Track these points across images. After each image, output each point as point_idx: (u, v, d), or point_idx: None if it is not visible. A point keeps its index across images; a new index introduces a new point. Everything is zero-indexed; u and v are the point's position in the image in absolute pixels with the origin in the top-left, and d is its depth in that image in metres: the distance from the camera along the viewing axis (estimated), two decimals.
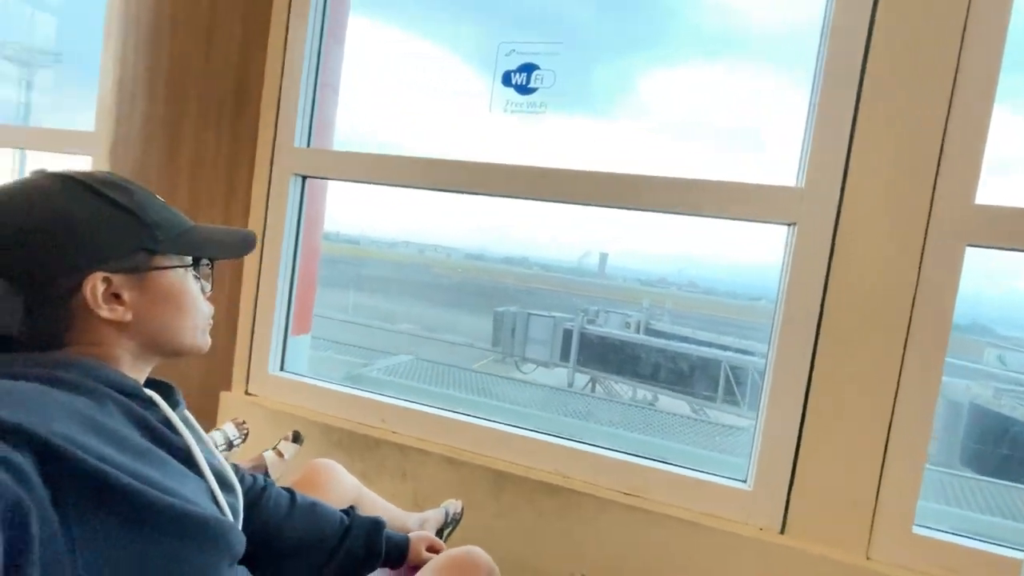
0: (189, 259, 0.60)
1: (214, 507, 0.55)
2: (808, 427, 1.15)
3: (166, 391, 0.62)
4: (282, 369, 1.65)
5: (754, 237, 1.33)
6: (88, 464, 0.40)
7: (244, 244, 0.66)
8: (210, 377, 1.60)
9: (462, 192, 1.43)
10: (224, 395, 1.61)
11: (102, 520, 0.41)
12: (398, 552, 0.84)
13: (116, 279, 0.53)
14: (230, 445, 1.27)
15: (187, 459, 0.55)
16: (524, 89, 1.40)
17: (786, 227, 1.21)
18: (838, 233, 1.13)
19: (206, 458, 0.57)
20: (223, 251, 0.64)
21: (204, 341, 0.64)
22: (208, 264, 0.63)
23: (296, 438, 1.37)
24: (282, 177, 1.56)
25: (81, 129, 1.77)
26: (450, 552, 0.82)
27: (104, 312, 0.52)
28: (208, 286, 0.65)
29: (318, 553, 0.76)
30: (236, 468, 0.75)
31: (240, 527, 0.61)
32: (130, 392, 0.53)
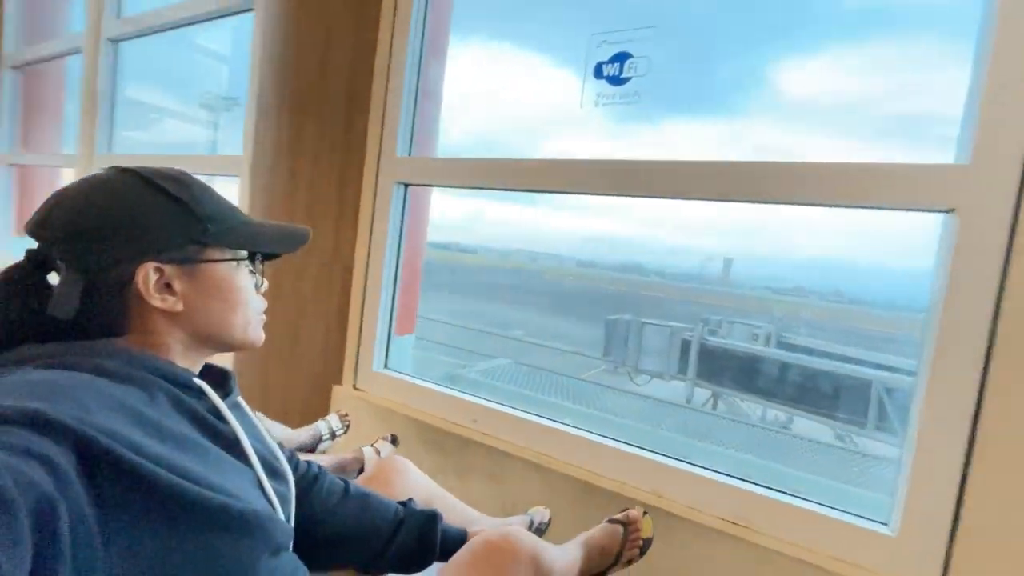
0: (242, 253, 0.60)
1: (259, 496, 0.55)
2: (977, 460, 0.91)
3: (222, 379, 0.64)
4: (386, 367, 1.75)
5: (912, 237, 1.11)
6: (127, 459, 0.40)
7: (294, 240, 0.66)
8: (325, 371, 1.75)
9: (567, 192, 1.39)
10: (336, 388, 1.75)
11: (137, 514, 0.41)
12: (454, 547, 0.79)
13: (168, 269, 0.54)
14: (332, 435, 1.37)
15: (234, 447, 0.56)
16: (616, 80, 1.33)
17: (943, 215, 0.98)
18: (1020, 221, 0.88)
19: (254, 446, 0.58)
20: (273, 246, 0.64)
21: (256, 336, 0.64)
22: (260, 259, 0.63)
23: (394, 440, 1.43)
24: (386, 185, 1.67)
25: (233, 154, 2.07)
26: (488, 534, 0.76)
27: (156, 301, 0.53)
28: (263, 281, 0.65)
29: (370, 544, 0.76)
30: (291, 456, 0.77)
31: (290, 515, 0.62)
32: (179, 382, 0.53)
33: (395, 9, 1.64)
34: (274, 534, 0.52)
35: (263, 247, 0.63)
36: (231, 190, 1.83)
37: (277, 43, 1.63)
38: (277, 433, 1.25)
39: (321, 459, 1.24)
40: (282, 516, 0.58)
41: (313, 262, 1.68)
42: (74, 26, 3.40)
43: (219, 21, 2.38)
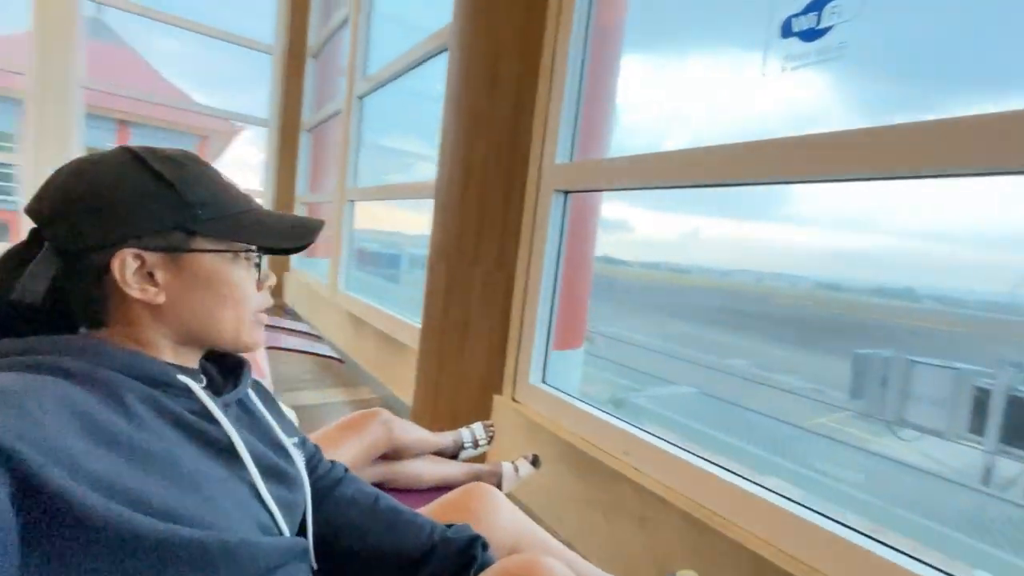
0: (239, 245, 0.53)
1: (250, 509, 0.49)
2: None
3: (234, 370, 0.59)
4: (543, 381, 1.68)
5: None
6: (54, 485, 0.35)
7: (297, 235, 0.56)
8: (489, 379, 1.77)
9: (769, 181, 1.13)
10: (496, 398, 1.75)
11: (61, 550, 0.36)
12: None
13: (150, 257, 0.48)
14: (476, 444, 1.35)
15: (229, 451, 0.50)
16: (811, 35, 1.02)
17: None
18: None
19: (255, 448, 0.53)
20: (271, 239, 0.55)
21: (252, 337, 0.56)
22: (256, 253, 0.55)
23: (535, 462, 1.34)
24: (545, 194, 1.62)
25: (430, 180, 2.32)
26: (508, 562, 0.60)
27: (134, 291, 0.48)
28: (269, 276, 0.57)
29: (392, 568, 0.65)
30: (313, 454, 0.70)
31: (296, 523, 0.57)
32: (156, 380, 0.48)
33: (559, 14, 1.60)
34: (252, 560, 0.45)
35: (260, 240, 0.54)
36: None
37: (457, 71, 1.76)
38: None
39: (458, 467, 1.23)
40: (284, 527, 0.53)
41: (480, 271, 1.72)
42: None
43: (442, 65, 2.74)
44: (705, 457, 1.20)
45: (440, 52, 2.39)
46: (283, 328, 2.77)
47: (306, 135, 4.85)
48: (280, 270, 5.03)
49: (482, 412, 1.78)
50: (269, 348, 2.42)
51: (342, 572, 0.65)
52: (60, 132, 4.04)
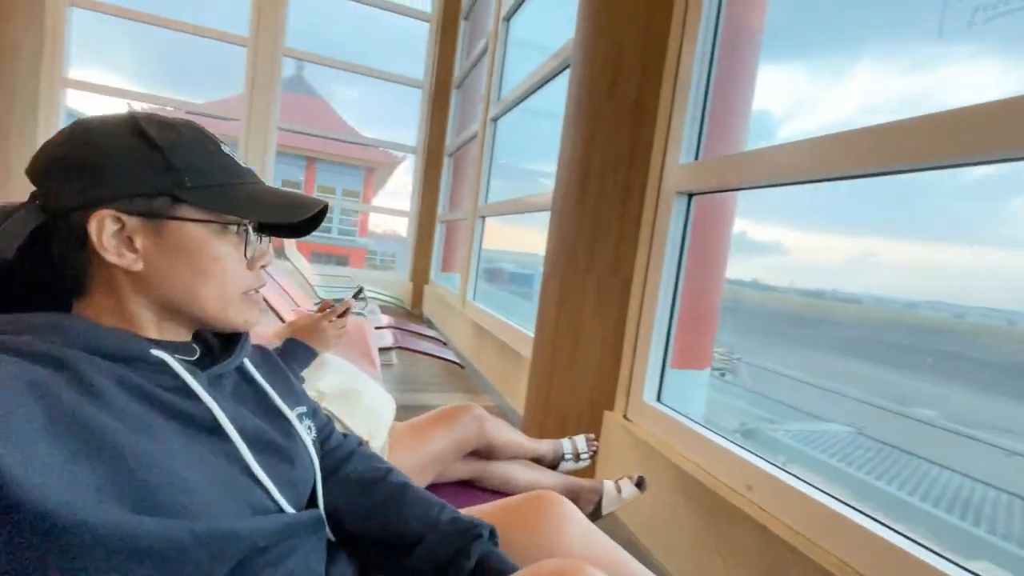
0: (230, 218, 0.50)
1: (238, 488, 0.47)
2: None
3: (232, 345, 0.56)
4: (658, 399, 1.54)
5: None
6: (7, 481, 0.33)
7: (289, 210, 0.51)
8: (598, 394, 1.69)
9: (942, 165, 0.93)
10: (607, 414, 1.65)
11: (16, 546, 0.34)
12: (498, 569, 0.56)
13: (131, 222, 0.46)
14: (577, 457, 1.28)
15: (211, 427, 0.48)
16: None
17: None
18: None
19: (245, 423, 0.51)
20: (260, 213, 0.51)
21: (238, 317, 0.52)
22: (244, 227, 0.51)
23: (640, 484, 1.23)
24: (666, 197, 1.51)
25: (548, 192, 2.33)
26: (543, 565, 0.50)
27: (110, 256, 0.45)
28: (265, 254, 0.55)
29: (394, 542, 0.60)
30: (324, 427, 0.67)
31: (303, 497, 0.55)
32: (125, 357, 0.45)
33: (684, 15, 1.51)
34: (234, 542, 0.43)
35: (249, 212, 0.50)
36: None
37: (578, 79, 1.75)
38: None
39: (554, 477, 1.17)
40: (284, 503, 0.51)
41: (593, 278, 1.66)
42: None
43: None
44: (852, 505, 0.98)
45: (564, 69, 2.42)
46: (414, 332, 2.99)
47: (448, 159, 5.27)
48: (420, 282, 5.48)
49: (591, 428, 1.69)
50: (400, 348, 2.62)
51: (357, 544, 0.62)
52: (260, 165, 4.95)
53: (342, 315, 1.01)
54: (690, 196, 1.50)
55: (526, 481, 1.12)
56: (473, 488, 1.08)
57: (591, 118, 1.67)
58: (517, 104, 3.10)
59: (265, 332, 1.07)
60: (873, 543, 0.88)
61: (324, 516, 0.57)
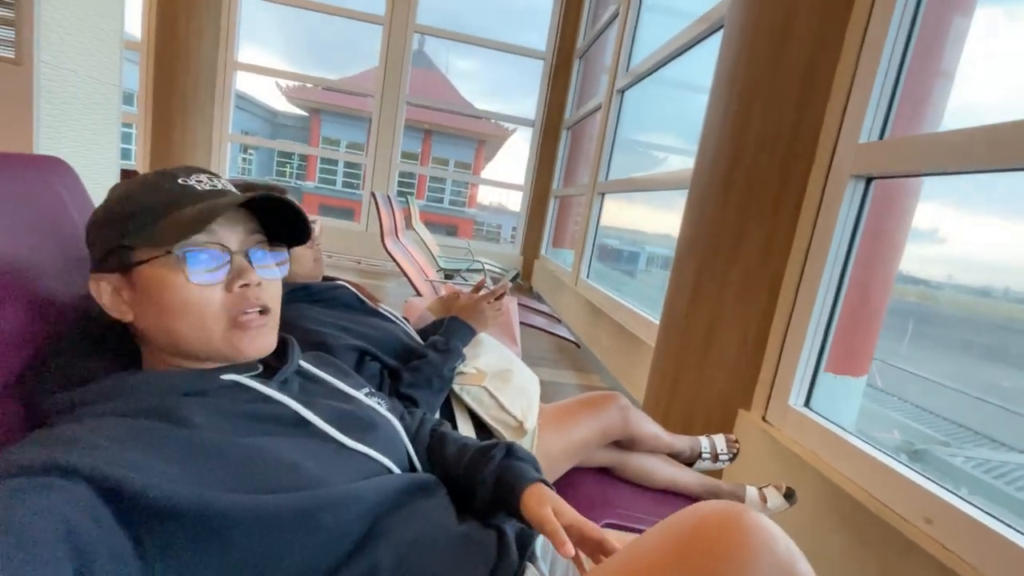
0: (175, 248, 0.49)
1: (337, 461, 0.52)
2: None
3: (280, 351, 0.59)
4: (807, 404, 1.41)
5: None
6: (143, 492, 0.39)
7: (208, 213, 0.49)
8: (734, 391, 1.58)
9: None
10: (742, 413, 1.54)
11: (171, 535, 0.40)
12: (509, 482, 0.59)
13: (113, 280, 0.50)
14: (716, 458, 1.21)
15: (299, 421, 0.52)
16: None
17: None
18: None
19: (324, 409, 0.55)
20: (185, 230, 0.49)
21: (229, 348, 0.52)
22: (178, 252, 0.49)
23: (790, 496, 1.13)
24: (837, 180, 1.33)
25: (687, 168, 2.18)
26: (703, 507, 0.44)
27: (112, 313, 0.51)
28: (243, 273, 0.52)
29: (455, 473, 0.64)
30: (395, 406, 0.70)
31: (401, 461, 0.59)
32: (204, 391, 0.50)
33: None
34: (357, 501, 0.48)
35: (175, 235, 0.49)
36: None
37: (734, 47, 1.59)
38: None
39: (693, 476, 1.12)
40: (391, 465, 0.56)
41: (738, 268, 1.53)
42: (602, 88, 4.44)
43: (706, 55, 2.56)
44: None
45: (711, 34, 2.21)
46: (531, 307, 3.03)
47: (566, 133, 5.17)
48: (531, 256, 5.53)
49: (722, 424, 1.60)
50: (521, 324, 2.68)
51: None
52: (388, 139, 5.25)
53: (499, 297, 1.03)
54: (868, 180, 1.31)
55: (664, 477, 1.08)
56: (611, 476, 1.07)
57: (748, 89, 1.51)
58: (650, 74, 2.92)
59: (419, 305, 1.13)
60: None
61: (438, 477, 0.61)
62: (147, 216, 0.49)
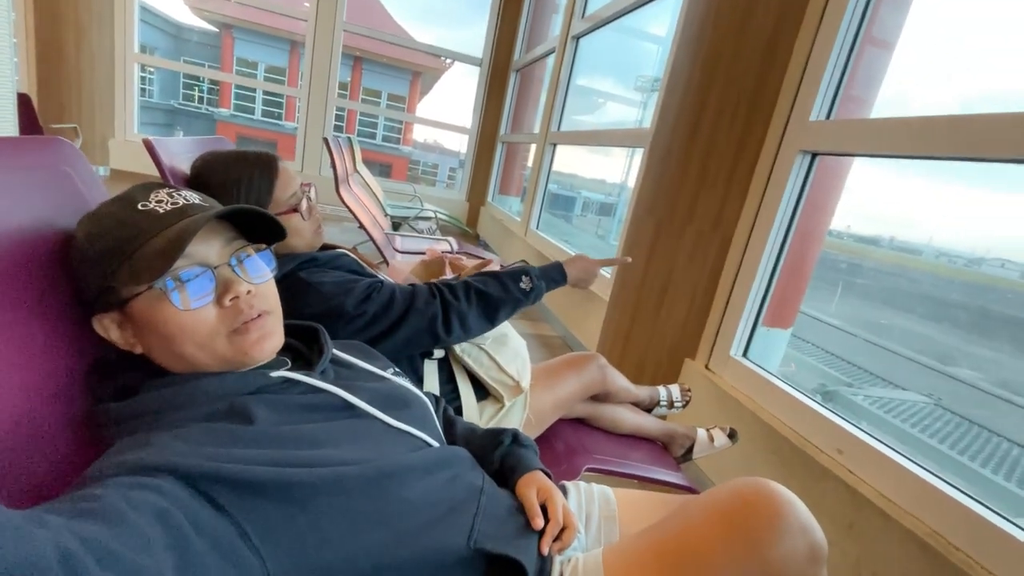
0: (155, 283, 0.50)
1: (387, 439, 0.57)
2: None
3: (311, 341, 0.64)
4: (745, 355, 1.59)
5: None
6: (228, 472, 0.42)
7: (178, 242, 0.49)
8: (682, 342, 1.74)
9: None
10: (687, 362, 1.72)
11: (263, 512, 0.43)
12: (512, 466, 0.68)
13: (114, 316, 0.52)
14: (671, 405, 1.36)
15: (346, 406, 0.57)
16: None
17: None
18: None
19: (363, 392, 0.59)
20: (155, 263, 0.49)
21: (237, 356, 0.54)
22: (160, 283, 0.49)
23: (733, 436, 1.31)
24: (787, 154, 1.45)
25: (644, 128, 2.24)
26: (737, 482, 0.57)
27: (123, 346, 0.53)
28: (231, 285, 0.53)
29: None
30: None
31: (436, 433, 0.65)
32: (262, 388, 0.53)
33: None
34: (411, 471, 0.53)
35: (149, 270, 0.49)
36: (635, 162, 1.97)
37: (700, 8, 1.62)
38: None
39: (653, 422, 1.27)
40: (430, 440, 0.61)
41: (692, 230, 1.65)
42: (555, 32, 4.32)
43: (662, 3, 2.56)
44: (945, 478, 1.04)
45: None
46: (479, 257, 3.06)
47: (514, 75, 5.02)
48: (477, 203, 5.48)
49: (669, 372, 1.77)
50: None
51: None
52: (324, 68, 4.84)
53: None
54: (814, 156, 1.44)
55: (630, 424, 1.22)
56: (587, 425, 1.19)
57: (713, 54, 1.56)
58: (608, 22, 2.89)
59: (404, 269, 1.14)
60: (969, 518, 0.95)
61: (469, 452, 0.66)
62: (118, 256, 0.50)
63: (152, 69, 15.02)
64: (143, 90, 14.97)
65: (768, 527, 0.51)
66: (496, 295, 0.91)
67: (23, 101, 2.87)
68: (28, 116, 3.06)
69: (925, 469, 1.07)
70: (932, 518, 1.00)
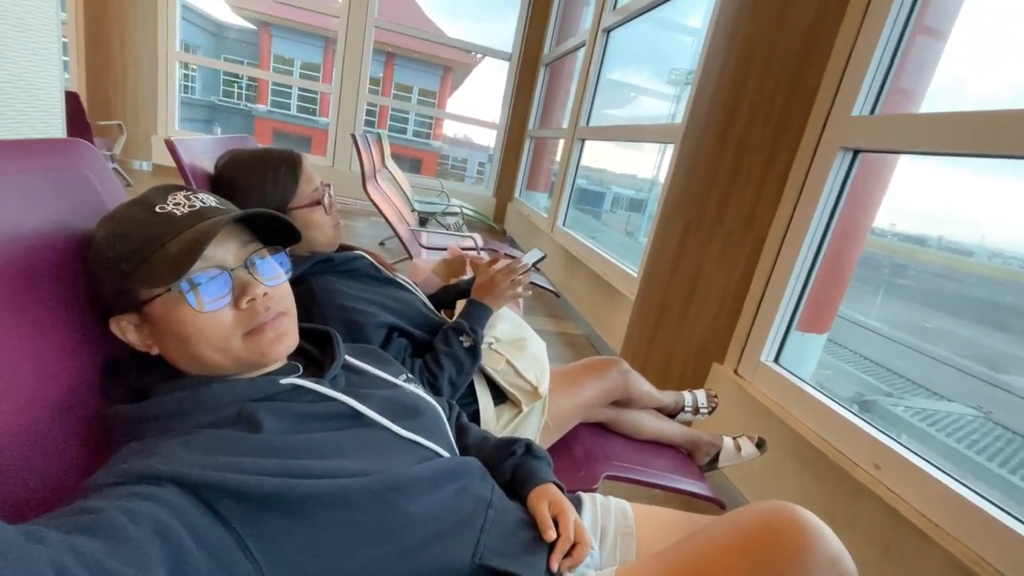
0: (173, 285, 0.50)
1: (395, 450, 0.55)
2: None
3: (324, 346, 0.63)
4: (776, 360, 1.53)
5: None
6: (232, 483, 0.42)
7: (196, 245, 0.49)
8: (710, 345, 1.69)
9: None
10: (715, 367, 1.66)
11: (264, 524, 0.43)
12: (524, 477, 0.66)
13: (131, 318, 0.52)
14: (696, 411, 1.32)
15: (354, 415, 0.56)
16: None
17: None
18: None
19: (375, 400, 0.58)
20: (173, 269, 0.49)
21: (254, 357, 0.53)
22: (174, 286, 0.49)
23: (761, 445, 1.26)
24: (827, 152, 1.38)
25: (675, 123, 2.18)
26: (761, 505, 0.53)
27: (141, 348, 0.53)
28: (248, 287, 0.53)
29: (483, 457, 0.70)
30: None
31: (447, 443, 0.63)
32: (271, 395, 0.53)
33: None
34: (416, 483, 0.51)
35: (166, 275, 0.49)
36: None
37: None
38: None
39: (677, 428, 1.23)
40: (439, 450, 0.59)
41: (723, 230, 1.59)
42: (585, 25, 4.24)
43: None
44: (993, 500, 0.97)
45: None
46: (507, 255, 3.04)
47: (544, 69, 4.97)
48: (504, 199, 5.47)
49: (696, 376, 1.72)
50: None
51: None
52: (355, 64, 4.90)
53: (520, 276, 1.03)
54: (856, 153, 1.36)
55: (652, 430, 1.18)
56: (606, 430, 1.16)
57: (748, 45, 1.50)
58: (641, 13, 2.82)
59: (424, 268, 1.13)
60: (1019, 545, 0.88)
61: (481, 463, 0.65)
62: (136, 258, 0.50)
63: (195, 67, 15.54)
64: (186, 87, 15.53)
65: (793, 561, 0.47)
66: (461, 359, 0.89)
67: (72, 99, 3.00)
68: (77, 113, 3.20)
69: (971, 489, 1.00)
70: (977, 543, 0.94)
